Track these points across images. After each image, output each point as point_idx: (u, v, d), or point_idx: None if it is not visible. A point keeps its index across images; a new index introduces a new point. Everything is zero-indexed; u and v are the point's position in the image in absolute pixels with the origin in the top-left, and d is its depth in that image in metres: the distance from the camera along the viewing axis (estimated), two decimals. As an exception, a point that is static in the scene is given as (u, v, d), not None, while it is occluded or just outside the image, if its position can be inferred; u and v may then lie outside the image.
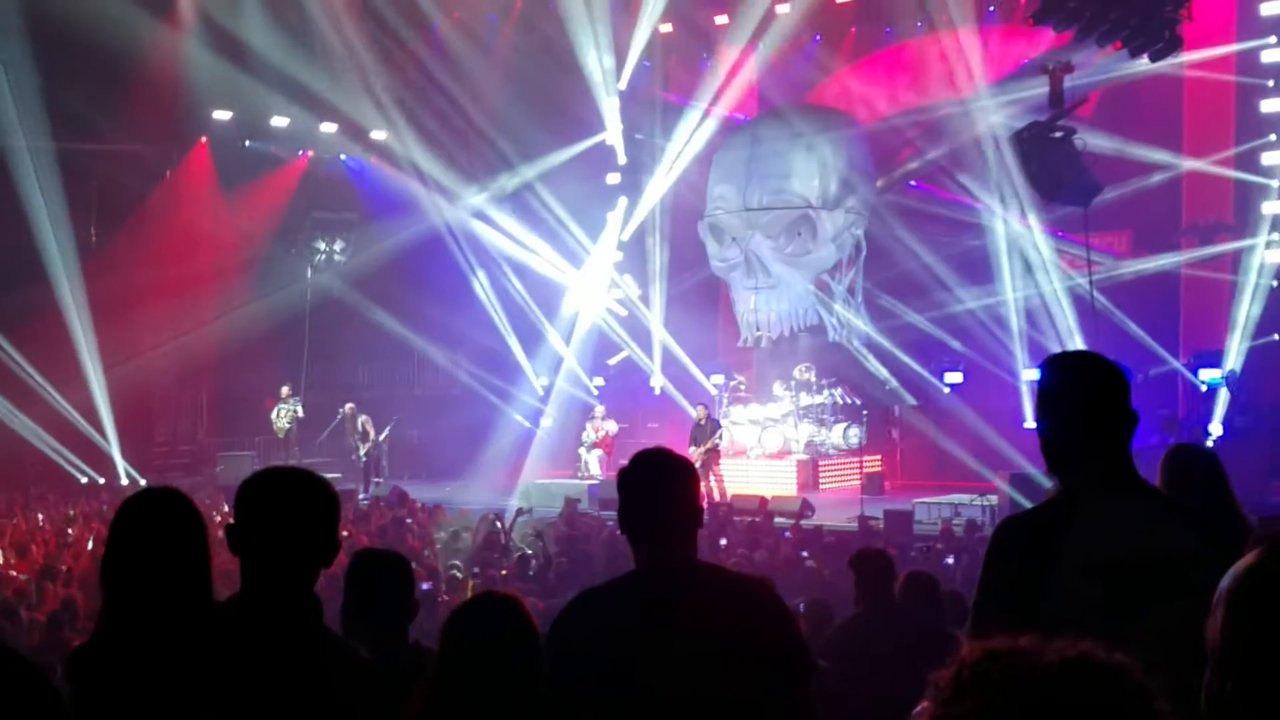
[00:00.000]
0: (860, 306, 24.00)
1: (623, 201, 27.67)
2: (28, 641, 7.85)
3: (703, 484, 14.69)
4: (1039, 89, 18.97)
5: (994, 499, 17.34)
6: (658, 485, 3.33)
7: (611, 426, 23.76)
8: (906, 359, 23.85)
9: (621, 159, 27.56)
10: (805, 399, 23.14)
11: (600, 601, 3.34)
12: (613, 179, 27.91)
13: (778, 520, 16.57)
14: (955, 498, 18.49)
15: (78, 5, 20.44)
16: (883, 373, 23.77)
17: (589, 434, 23.60)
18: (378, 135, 26.81)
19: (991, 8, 24.28)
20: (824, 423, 23.13)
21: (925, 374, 23.86)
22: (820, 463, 22.76)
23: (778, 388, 23.34)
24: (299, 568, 2.83)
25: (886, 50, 25.63)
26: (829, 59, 26.10)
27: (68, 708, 2.58)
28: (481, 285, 27.05)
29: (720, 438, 20.75)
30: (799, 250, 22.93)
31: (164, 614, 2.96)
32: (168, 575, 3.07)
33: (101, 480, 21.36)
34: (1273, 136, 21.86)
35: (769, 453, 22.80)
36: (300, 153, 26.88)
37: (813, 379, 23.26)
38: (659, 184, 26.32)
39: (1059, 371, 3.21)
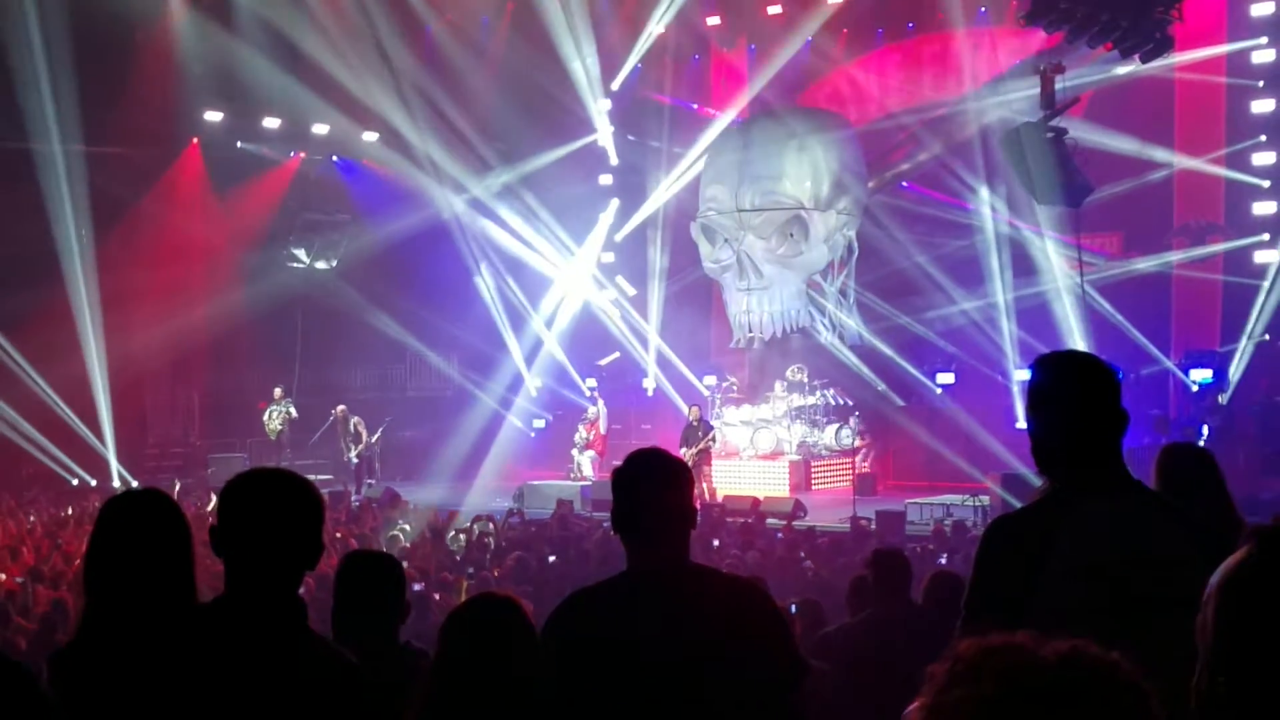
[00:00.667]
0: (852, 307, 24.03)
1: (614, 203, 27.71)
2: (18, 645, 7.82)
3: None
4: (1030, 90, 19.02)
5: (986, 499, 17.36)
6: (651, 485, 3.32)
7: (600, 411, 23.74)
8: (899, 359, 23.90)
9: (613, 160, 27.59)
10: (798, 400, 23.14)
11: (592, 602, 3.33)
12: (605, 180, 27.95)
13: (770, 521, 16.56)
14: (947, 498, 18.51)
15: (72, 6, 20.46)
16: (869, 374, 23.78)
17: (581, 435, 23.60)
18: (370, 136, 26.80)
19: (983, 9, 24.30)
20: (816, 423, 23.14)
21: (917, 375, 23.90)
22: (812, 463, 22.76)
23: (778, 387, 23.33)
24: (282, 569, 2.82)
25: (878, 51, 25.66)
26: (821, 60, 26.12)
27: (57, 710, 2.58)
28: (485, 282, 27.06)
29: (714, 440, 20.72)
30: (791, 251, 22.94)
31: (147, 615, 2.96)
32: (150, 576, 3.06)
33: (93, 482, 21.32)
34: (1263, 137, 21.91)
35: (761, 453, 22.80)
36: (292, 154, 26.85)
37: (805, 380, 23.26)
38: (657, 187, 26.34)
39: (1050, 371, 3.20)
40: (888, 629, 6.03)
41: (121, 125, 22.44)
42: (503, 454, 26.04)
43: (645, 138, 27.09)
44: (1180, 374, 21.48)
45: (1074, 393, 3.14)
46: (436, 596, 9.54)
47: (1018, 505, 3.43)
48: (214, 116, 25.09)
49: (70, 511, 17.43)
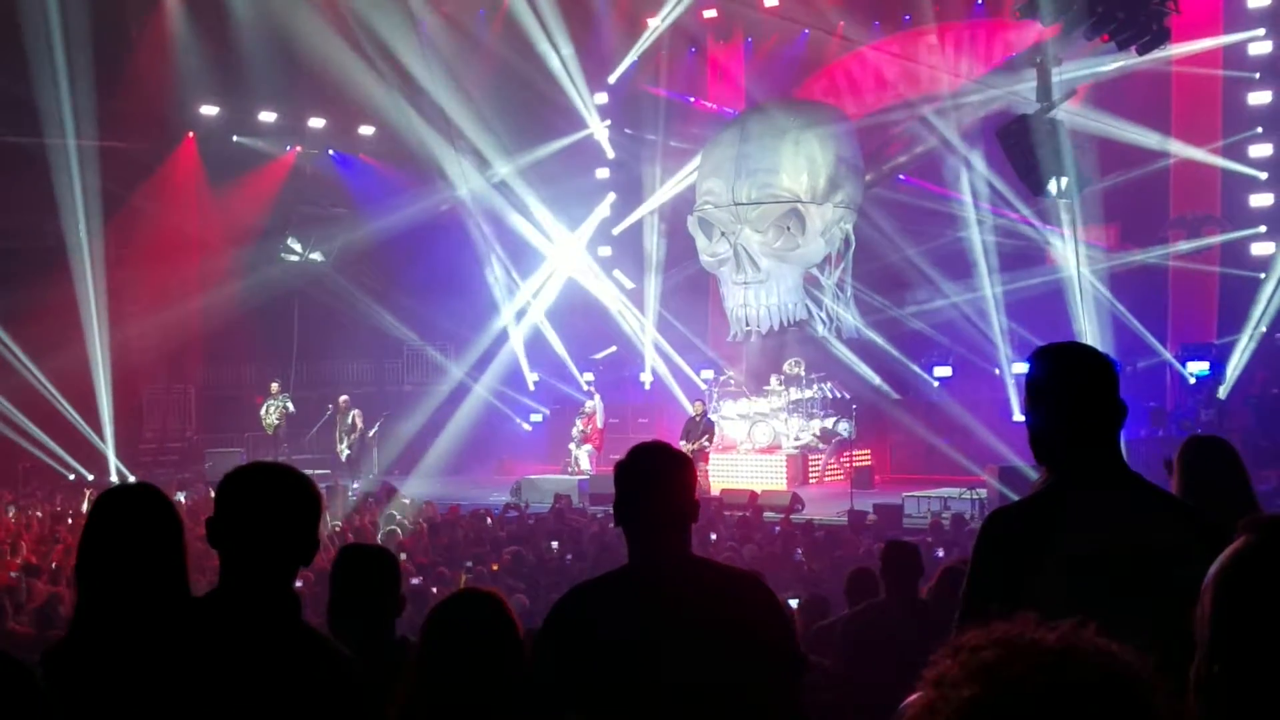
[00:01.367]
0: (849, 301, 24.02)
1: (611, 197, 27.72)
2: (14, 639, 7.81)
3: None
4: (1027, 82, 19.00)
5: (983, 492, 17.36)
6: (653, 478, 3.32)
7: (597, 405, 23.73)
8: (895, 353, 23.92)
9: (609, 153, 27.59)
10: (795, 393, 23.13)
11: (594, 596, 3.33)
12: (602, 174, 27.96)
13: (767, 514, 16.57)
14: (944, 491, 18.51)
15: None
16: (864, 369, 23.79)
17: (578, 429, 23.59)
18: (366, 130, 26.77)
19: (979, 1, 24.29)
20: (814, 417, 23.13)
21: (915, 368, 23.92)
22: (810, 457, 22.76)
23: (774, 381, 23.31)
24: (277, 563, 2.81)
25: (875, 44, 25.63)
26: (818, 53, 26.11)
27: (53, 705, 2.57)
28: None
29: (709, 440, 20.62)
30: (788, 245, 22.93)
31: (139, 609, 2.95)
32: (142, 570, 3.06)
33: (90, 477, 21.31)
34: (1259, 129, 21.91)
35: (759, 447, 22.80)
36: (288, 148, 26.83)
37: (802, 373, 23.25)
38: (654, 180, 26.34)
39: (1048, 363, 3.19)
40: (891, 619, 6.05)
41: (117, 119, 22.41)
42: (500, 448, 26.08)
43: (641, 131, 27.06)
44: (1178, 365, 21.49)
45: (1072, 385, 3.13)
46: (434, 590, 9.54)
47: (1015, 498, 3.42)
48: (210, 110, 25.06)
49: (60, 507, 17.42)
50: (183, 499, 16.33)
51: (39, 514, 16.78)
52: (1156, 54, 17.89)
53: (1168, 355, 21.71)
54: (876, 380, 23.74)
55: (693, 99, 27.23)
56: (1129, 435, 18.59)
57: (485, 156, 26.64)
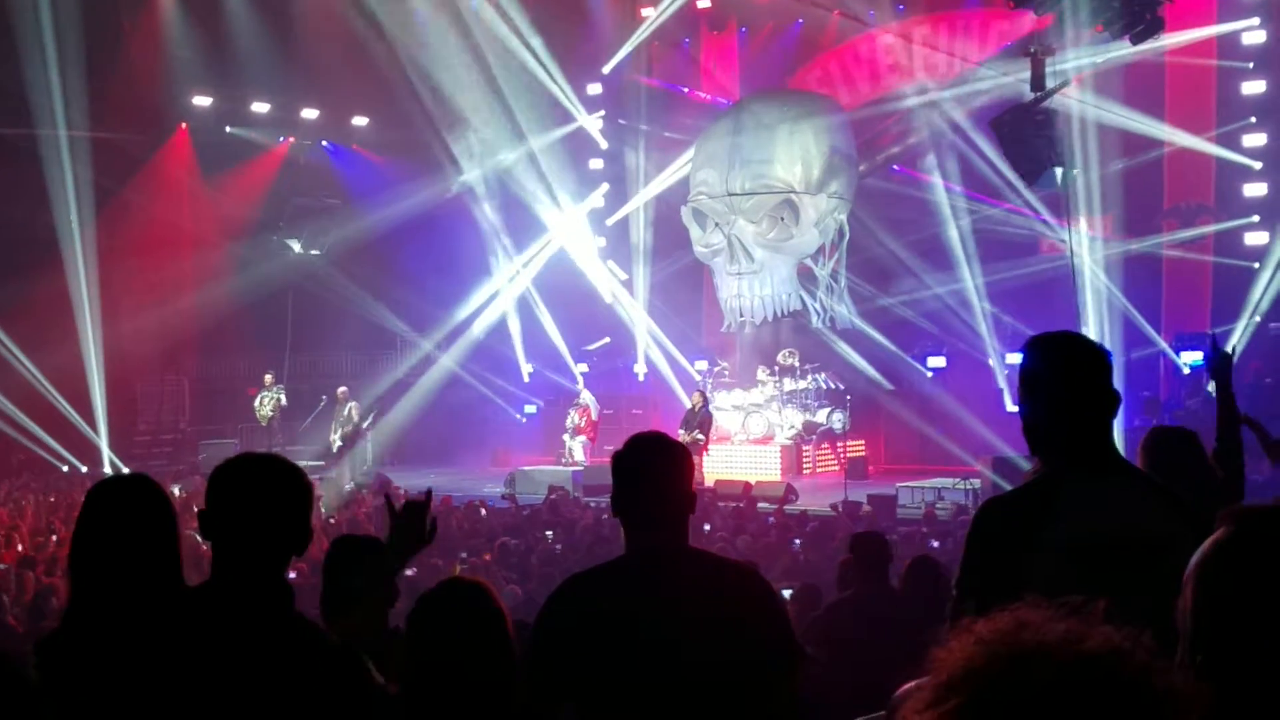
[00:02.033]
0: (843, 291, 24.01)
1: (604, 186, 27.72)
2: (6, 631, 7.81)
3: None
4: (1020, 73, 18.98)
5: (977, 483, 17.38)
6: (653, 468, 3.32)
7: (589, 399, 23.72)
8: (888, 344, 23.94)
9: (603, 144, 27.58)
10: (789, 384, 23.14)
11: (591, 585, 3.33)
12: (596, 164, 27.95)
13: (761, 505, 16.57)
14: (938, 481, 18.54)
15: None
16: (857, 360, 23.80)
17: (573, 420, 23.58)
18: (359, 121, 26.72)
19: (973, -9, 24.32)
20: (808, 408, 23.14)
21: (907, 359, 23.93)
22: (804, 447, 22.77)
23: (761, 373, 23.32)
24: (270, 554, 2.80)
25: (869, 34, 25.62)
26: (811, 44, 26.09)
27: (44, 697, 2.56)
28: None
29: (701, 433, 20.57)
30: (782, 235, 22.91)
31: (132, 600, 2.95)
32: (136, 561, 3.05)
33: (84, 469, 21.28)
34: (1253, 119, 21.93)
35: (753, 438, 22.82)
36: (281, 139, 26.78)
37: (796, 364, 23.26)
38: (649, 173, 26.33)
39: (1040, 353, 3.19)
40: (867, 609, 6.08)
41: (110, 110, 22.35)
42: (494, 439, 26.09)
43: (635, 122, 27.05)
44: (1173, 355, 21.51)
45: (1064, 374, 3.13)
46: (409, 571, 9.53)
47: (1009, 488, 3.42)
48: (203, 101, 25.00)
49: (54, 498, 17.40)
50: (178, 491, 16.30)
51: (30, 507, 16.75)
52: (1150, 44, 17.89)
53: (1164, 345, 21.73)
54: (870, 371, 23.76)
55: (686, 89, 27.22)
56: (1124, 425, 18.64)
57: (484, 144, 26.68)
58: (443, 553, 11.92)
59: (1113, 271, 22.10)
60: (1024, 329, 21.14)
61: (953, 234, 23.44)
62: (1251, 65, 21.97)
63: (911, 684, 2.67)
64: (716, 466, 21.32)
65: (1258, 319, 21.13)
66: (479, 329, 27.22)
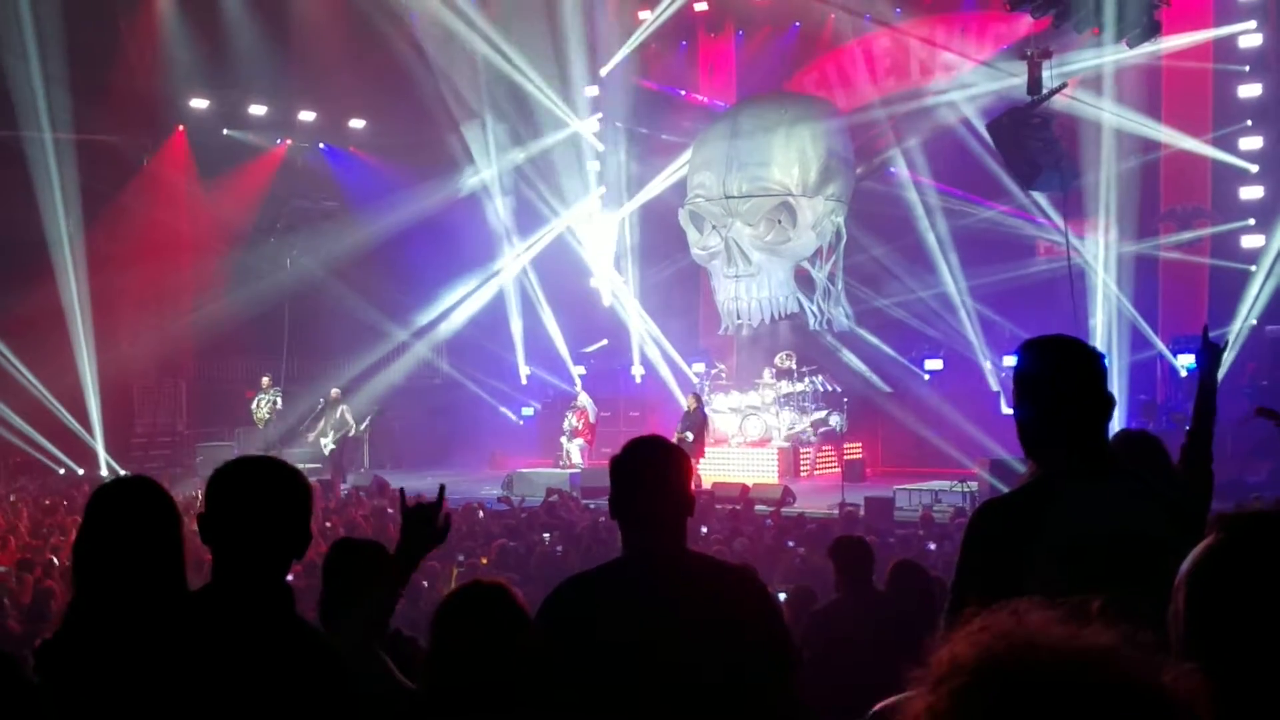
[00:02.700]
0: (840, 294, 24.01)
1: (601, 189, 27.73)
2: (5, 634, 7.81)
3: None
4: (1017, 76, 19.00)
5: (974, 485, 17.38)
6: (649, 471, 3.32)
7: (587, 401, 23.70)
8: (884, 347, 23.95)
9: (599, 146, 27.60)
10: (786, 387, 23.15)
11: (589, 588, 3.34)
12: (593, 166, 27.97)
13: (758, 508, 16.57)
14: (935, 484, 18.54)
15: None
16: (855, 362, 23.81)
17: (570, 422, 23.56)
18: (357, 124, 26.72)
19: (970, -6, 24.34)
20: (805, 410, 23.15)
21: (904, 362, 23.94)
22: (801, 450, 22.78)
23: (766, 375, 23.33)
24: (270, 557, 2.81)
25: (865, 37, 25.64)
26: (809, 47, 26.10)
27: (45, 699, 2.57)
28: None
29: (693, 435, 20.55)
30: (779, 238, 22.92)
31: (135, 603, 2.95)
32: (140, 564, 3.05)
33: (80, 471, 21.26)
34: (1249, 122, 21.95)
35: (750, 440, 22.82)
36: (278, 141, 26.77)
37: (794, 366, 23.27)
38: (646, 176, 26.35)
39: (1035, 356, 3.21)
40: (851, 614, 6.09)
41: (107, 112, 22.33)
42: (491, 441, 26.08)
43: (632, 124, 27.05)
44: (1170, 357, 21.53)
45: (1058, 377, 3.15)
46: (425, 584, 9.53)
47: (1006, 490, 3.44)
48: (200, 103, 24.99)
49: (49, 501, 17.37)
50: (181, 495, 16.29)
51: (31, 508, 16.72)
52: (1147, 47, 17.93)
53: (1161, 347, 21.74)
54: (868, 373, 23.78)
55: (684, 92, 27.21)
56: (1126, 428, 18.53)
57: (481, 146, 26.77)
58: (440, 555, 11.92)
59: (1111, 274, 22.12)
60: (1019, 332, 21.19)
61: (948, 237, 23.44)
62: (1248, 68, 22.00)
63: (891, 700, 2.69)
64: (714, 469, 21.33)
65: (1253, 322, 21.14)
66: (473, 309, 27.20)
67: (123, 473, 19.66)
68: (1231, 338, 20.94)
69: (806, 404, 23.17)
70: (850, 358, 23.84)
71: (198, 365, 26.49)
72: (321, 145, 27.53)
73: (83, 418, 21.97)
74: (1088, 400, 3.12)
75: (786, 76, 26.42)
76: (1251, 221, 21.85)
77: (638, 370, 26.73)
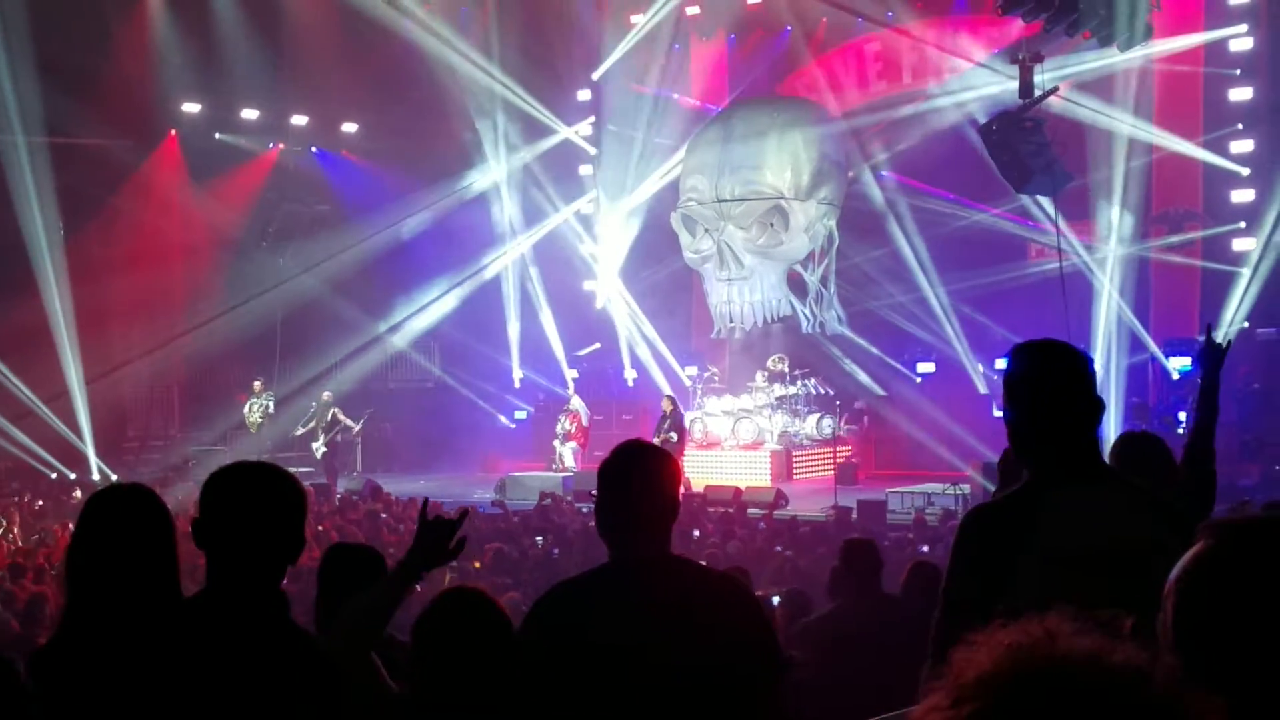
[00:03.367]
0: (833, 298, 24.04)
1: (593, 193, 27.74)
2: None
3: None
4: (1009, 80, 19.05)
5: (966, 488, 17.41)
6: (637, 477, 3.33)
7: (579, 405, 23.70)
8: (875, 350, 23.98)
9: (592, 150, 27.62)
10: (779, 390, 23.17)
11: (574, 594, 3.34)
12: (585, 170, 27.99)
13: (751, 511, 16.59)
14: (928, 487, 18.56)
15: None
16: (848, 365, 23.84)
17: (563, 426, 23.57)
18: (349, 127, 26.71)
19: (961, -3, 24.36)
20: (798, 413, 23.17)
21: (896, 365, 23.97)
22: (794, 453, 22.80)
23: (759, 378, 23.34)
24: (265, 563, 2.81)
25: (857, 40, 25.67)
26: (800, 49, 26.11)
27: (35, 703, 2.57)
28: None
29: (675, 434, 20.55)
30: (771, 241, 22.93)
31: (129, 610, 2.95)
32: (134, 571, 3.05)
33: (73, 476, 21.20)
34: (1240, 125, 21.99)
35: (743, 443, 22.83)
36: (271, 145, 26.75)
37: (786, 370, 23.29)
38: (638, 180, 26.36)
39: (1025, 359, 3.22)
40: (862, 616, 6.08)
41: (99, 116, 22.27)
42: (484, 445, 26.06)
43: (624, 128, 27.06)
44: (1162, 358, 21.56)
45: (1048, 381, 3.15)
46: (419, 588, 9.53)
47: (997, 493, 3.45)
48: (192, 108, 24.97)
49: (40, 505, 17.35)
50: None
51: (18, 514, 16.70)
52: (1138, 50, 17.97)
53: (1155, 349, 21.76)
54: (861, 376, 23.80)
55: (676, 96, 27.20)
56: (1123, 432, 18.51)
57: (476, 150, 26.85)
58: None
59: (1107, 277, 22.14)
60: (1010, 335, 21.19)
61: (939, 240, 23.46)
62: (1239, 72, 22.03)
63: (902, 712, 2.68)
64: (707, 472, 21.35)
65: (1245, 325, 21.18)
66: (466, 310, 27.23)
67: (114, 477, 19.65)
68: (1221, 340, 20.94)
69: (799, 407, 23.20)
70: (843, 360, 23.87)
71: (190, 369, 26.44)
72: (314, 149, 27.49)
73: (71, 422, 21.88)
74: (1077, 404, 3.13)
75: (778, 80, 26.43)
76: (1242, 224, 21.88)
77: (630, 374, 26.73)
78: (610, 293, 27.13)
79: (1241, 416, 20.02)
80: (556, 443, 23.44)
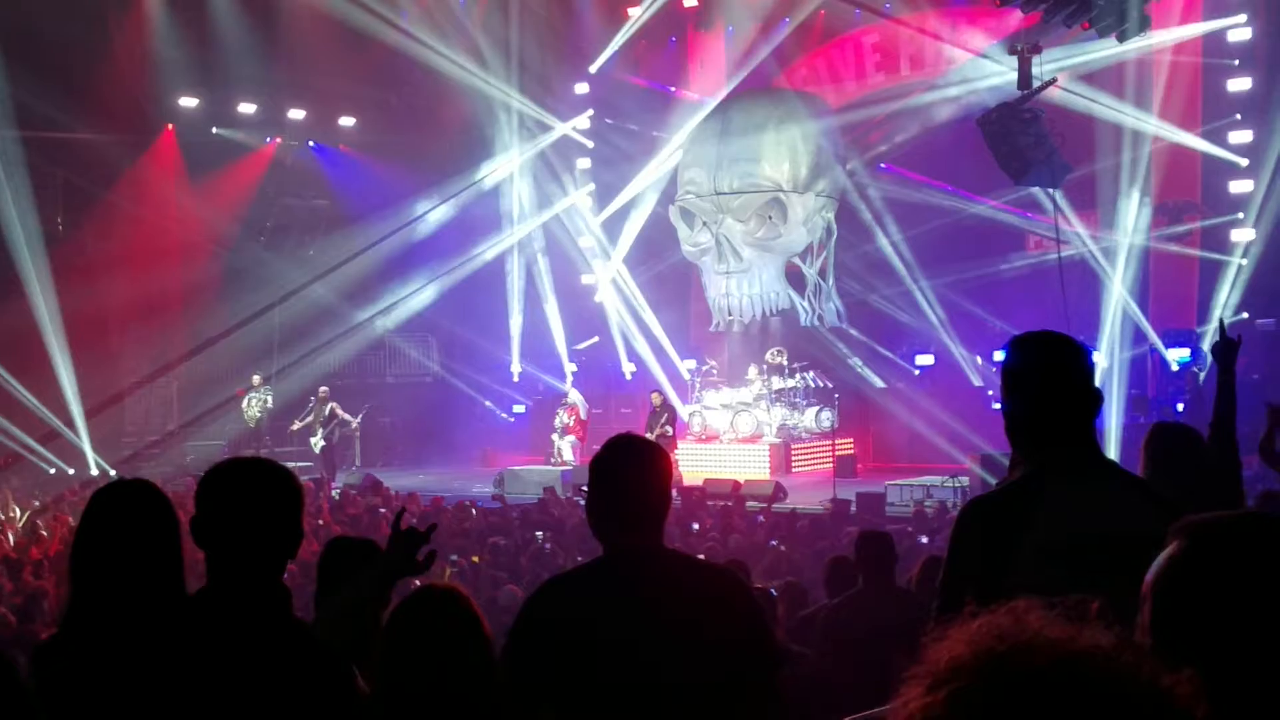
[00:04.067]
0: (832, 290, 24.03)
1: (590, 186, 27.74)
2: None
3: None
4: (1007, 71, 19.01)
5: (965, 480, 17.42)
6: (630, 471, 3.32)
7: (578, 399, 23.71)
8: (873, 343, 23.98)
9: (589, 144, 27.61)
10: (777, 383, 23.16)
11: (568, 588, 3.34)
12: (583, 164, 27.97)
13: (750, 504, 16.59)
14: (927, 479, 18.57)
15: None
16: (849, 357, 23.85)
17: (561, 420, 23.56)
18: (346, 121, 26.68)
19: (960, -13, 24.33)
20: (796, 406, 23.17)
21: (895, 357, 23.96)
22: (792, 446, 22.80)
23: (752, 371, 23.35)
24: (265, 558, 2.80)
25: (856, 32, 25.63)
26: (799, 42, 26.08)
27: (35, 699, 2.56)
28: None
29: (671, 426, 20.59)
30: (770, 234, 22.93)
31: (134, 605, 2.94)
32: (139, 567, 3.05)
33: (70, 470, 21.18)
34: (1238, 116, 21.97)
35: (741, 436, 22.82)
36: (268, 139, 26.72)
37: (785, 363, 23.28)
38: (635, 170, 26.34)
39: (1022, 351, 3.21)
40: (874, 610, 6.07)
41: (96, 111, 22.24)
42: (482, 439, 26.07)
43: (622, 121, 27.04)
44: (1162, 349, 21.56)
45: (1046, 372, 3.15)
46: (417, 583, 9.52)
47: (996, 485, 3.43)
48: (189, 102, 24.94)
49: (46, 501, 17.33)
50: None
51: (20, 508, 16.69)
52: (1137, 41, 17.93)
53: (1155, 339, 21.77)
54: (860, 368, 23.81)
55: (674, 88, 27.18)
56: (1123, 423, 18.65)
57: (474, 145, 26.86)
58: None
59: (1111, 268, 22.13)
60: (1008, 328, 21.17)
61: (939, 232, 23.43)
62: (1237, 62, 22.00)
63: (900, 700, 2.67)
64: (705, 465, 21.36)
65: (1244, 315, 21.17)
66: (467, 306, 27.27)
67: (112, 472, 19.64)
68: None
69: (798, 400, 23.20)
70: (842, 352, 23.87)
71: (188, 364, 26.42)
72: (311, 143, 27.46)
73: (66, 418, 21.84)
74: (1075, 396, 3.12)
75: (776, 73, 26.40)
76: (1240, 215, 21.88)
77: (628, 367, 26.73)
78: (608, 286, 27.11)
79: (1241, 407, 20.01)
80: (555, 436, 23.43)
